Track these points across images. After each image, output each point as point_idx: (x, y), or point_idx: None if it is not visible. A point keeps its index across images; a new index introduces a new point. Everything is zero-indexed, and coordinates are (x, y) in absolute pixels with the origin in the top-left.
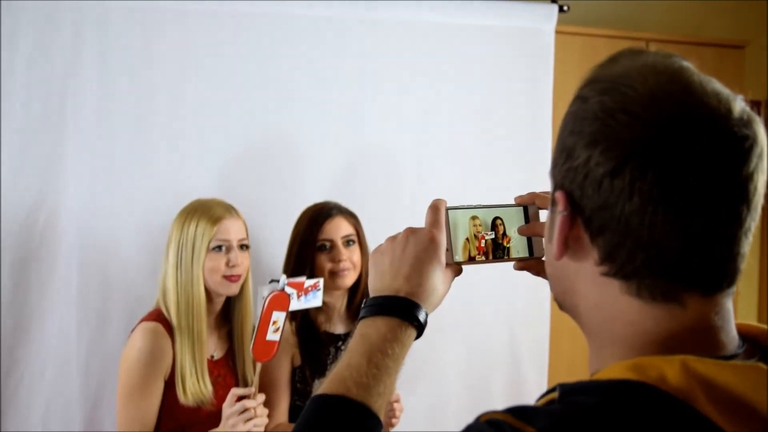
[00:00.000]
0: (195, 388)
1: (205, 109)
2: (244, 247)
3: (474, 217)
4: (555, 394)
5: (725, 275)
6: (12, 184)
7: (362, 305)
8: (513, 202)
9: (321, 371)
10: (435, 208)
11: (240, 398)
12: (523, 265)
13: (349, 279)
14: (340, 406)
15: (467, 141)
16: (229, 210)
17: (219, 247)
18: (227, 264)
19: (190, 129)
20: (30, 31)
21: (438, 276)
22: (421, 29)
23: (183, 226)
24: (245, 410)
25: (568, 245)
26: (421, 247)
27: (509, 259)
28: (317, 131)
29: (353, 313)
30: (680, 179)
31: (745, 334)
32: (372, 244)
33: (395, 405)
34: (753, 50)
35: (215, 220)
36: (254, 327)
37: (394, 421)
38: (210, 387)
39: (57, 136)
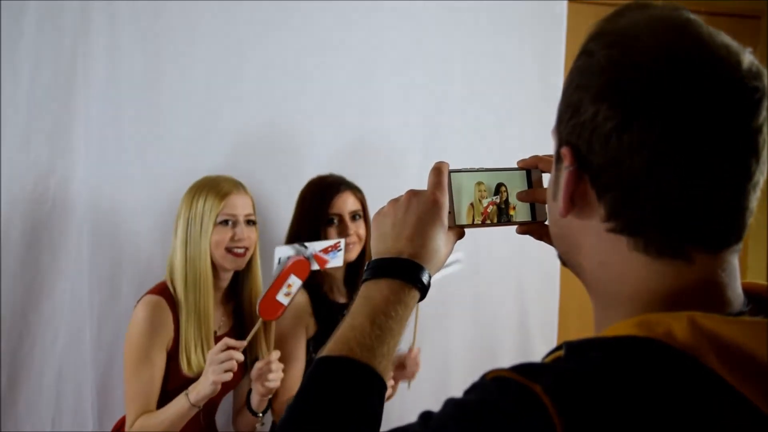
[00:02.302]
0: (200, 360)
1: (215, 79)
2: (251, 222)
3: (479, 183)
4: (561, 352)
5: (733, 230)
6: (22, 153)
7: (365, 268)
8: (515, 166)
9: None
10: (438, 170)
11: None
12: (525, 229)
13: (353, 252)
14: (345, 367)
15: (478, 115)
16: (237, 185)
17: (226, 222)
18: (232, 238)
19: (199, 96)
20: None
21: (440, 238)
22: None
23: (192, 201)
24: (228, 360)
25: (574, 202)
26: (424, 208)
27: (512, 223)
28: (325, 111)
29: (352, 286)
30: (689, 132)
31: (750, 292)
32: None
33: (416, 357)
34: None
35: (223, 195)
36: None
37: (415, 370)
38: None
39: (66, 105)
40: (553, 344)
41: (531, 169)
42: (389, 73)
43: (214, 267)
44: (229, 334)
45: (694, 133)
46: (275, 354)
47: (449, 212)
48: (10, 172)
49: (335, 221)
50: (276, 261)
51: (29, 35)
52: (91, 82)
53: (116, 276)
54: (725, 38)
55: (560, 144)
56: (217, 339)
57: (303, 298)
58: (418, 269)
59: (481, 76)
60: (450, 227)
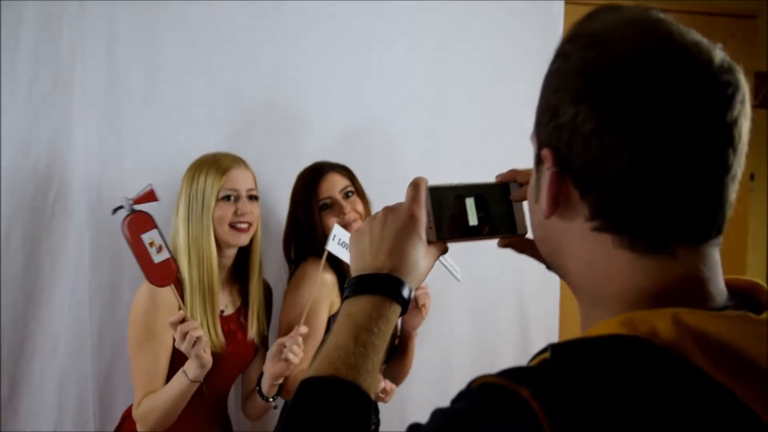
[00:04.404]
0: (208, 339)
1: (214, 84)
2: (253, 197)
3: (458, 197)
4: (547, 354)
5: (714, 223)
6: (22, 160)
7: (345, 285)
8: (494, 180)
9: None
10: (415, 185)
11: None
12: (507, 242)
13: None
14: (331, 387)
15: (475, 115)
16: (237, 160)
17: (228, 197)
18: (235, 213)
19: (199, 100)
20: (36, 3)
21: (419, 251)
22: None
23: (192, 179)
24: (196, 333)
25: (558, 203)
26: (400, 224)
27: (493, 237)
28: (324, 99)
29: None
30: (668, 129)
31: (733, 287)
32: (375, 208)
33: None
34: (765, 20)
35: (224, 171)
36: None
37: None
38: (222, 337)
39: (65, 111)
40: (554, 341)
41: (509, 182)
42: (387, 72)
43: (218, 244)
44: (237, 314)
45: (673, 130)
46: (304, 328)
47: (429, 227)
48: (11, 178)
49: (329, 205)
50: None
51: (28, 41)
52: (90, 87)
53: (117, 282)
54: (696, 35)
55: (540, 146)
56: (225, 319)
57: (330, 276)
58: (398, 284)
59: (478, 76)
60: (430, 242)
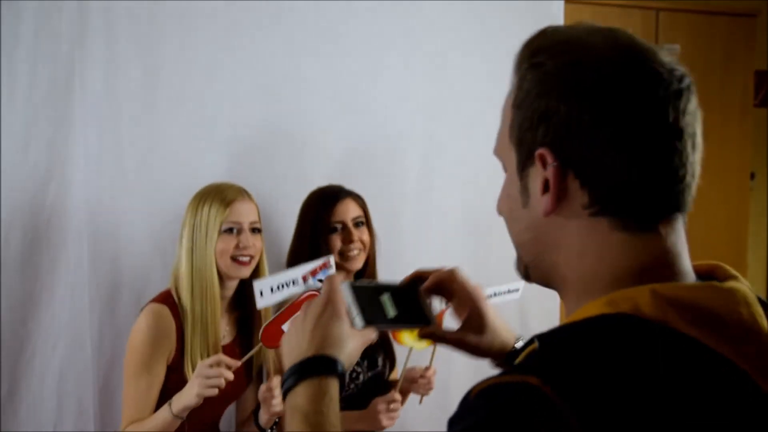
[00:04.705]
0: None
1: (213, 84)
2: (255, 230)
3: (376, 293)
4: (534, 345)
5: (686, 198)
6: (21, 161)
7: (282, 385)
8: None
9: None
10: (329, 279)
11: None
12: (427, 332)
13: (359, 260)
14: None
15: (475, 116)
16: (241, 193)
17: (230, 230)
18: (237, 246)
19: (198, 101)
20: (35, 4)
21: (342, 329)
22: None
23: (197, 209)
24: (218, 377)
25: (560, 196)
26: (319, 310)
27: (409, 327)
28: (324, 114)
29: None
30: (649, 119)
31: (697, 272)
32: (377, 223)
33: (430, 377)
34: (764, 19)
35: (227, 203)
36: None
37: (426, 389)
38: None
39: (64, 112)
40: None
41: (416, 280)
42: (387, 75)
43: (220, 275)
44: (233, 344)
45: (652, 120)
46: (276, 380)
47: (354, 316)
48: (9, 180)
49: (338, 229)
50: (257, 294)
51: (26, 42)
52: (89, 88)
53: (116, 283)
54: (643, 40)
55: (530, 150)
56: (223, 348)
57: None
58: (327, 360)
59: (478, 76)
60: (356, 329)
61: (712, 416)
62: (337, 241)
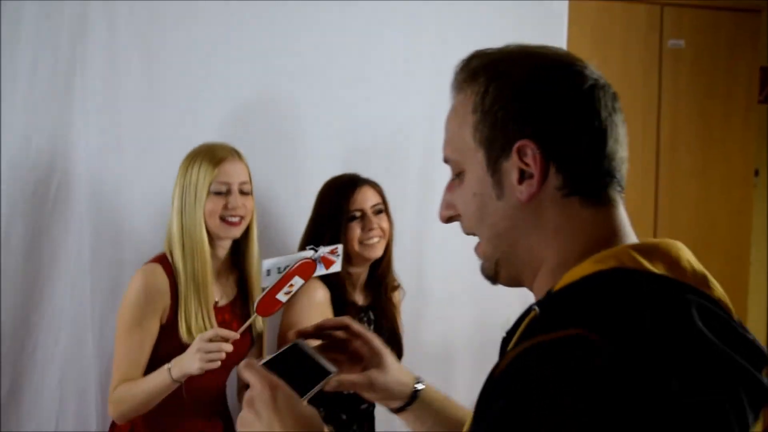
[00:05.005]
0: (200, 328)
1: (213, 77)
2: (244, 191)
3: (278, 367)
4: (535, 312)
5: (624, 177)
6: (22, 154)
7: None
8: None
9: None
10: (247, 367)
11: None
12: (334, 383)
13: (379, 248)
14: None
15: None
16: (231, 152)
17: (219, 191)
18: (225, 207)
19: (198, 94)
20: None
21: (302, 405)
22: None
23: (186, 169)
24: (218, 351)
25: (541, 180)
26: (269, 399)
27: (324, 383)
28: (325, 96)
29: (373, 285)
30: (602, 113)
31: None
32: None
33: None
34: None
35: (216, 162)
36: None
37: None
38: (216, 326)
39: (65, 105)
40: None
41: (296, 342)
42: (389, 69)
43: (211, 236)
44: (232, 305)
45: (605, 113)
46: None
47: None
48: (11, 173)
49: (357, 217)
50: (264, 273)
51: (28, 36)
52: (90, 82)
53: (118, 275)
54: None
55: (505, 145)
56: (220, 310)
57: (324, 294)
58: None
59: None
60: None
61: (713, 332)
62: (356, 230)
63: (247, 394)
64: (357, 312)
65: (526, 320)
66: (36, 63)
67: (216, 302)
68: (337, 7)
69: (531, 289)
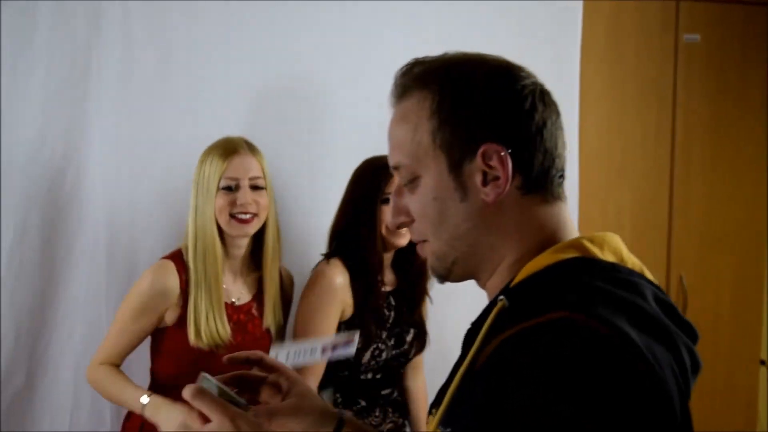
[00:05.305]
0: (211, 329)
1: (228, 69)
2: (257, 186)
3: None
4: (503, 303)
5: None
6: (38, 149)
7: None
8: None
9: (382, 324)
10: (200, 395)
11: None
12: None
13: (406, 237)
14: None
15: None
16: (242, 145)
17: (229, 187)
18: (234, 203)
19: (213, 88)
20: None
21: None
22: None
23: (201, 165)
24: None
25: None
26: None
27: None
28: (339, 90)
29: (401, 272)
30: (548, 113)
31: None
32: None
33: None
34: None
35: (225, 156)
36: None
37: None
38: (228, 329)
39: (80, 100)
40: None
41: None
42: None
43: (224, 234)
44: (249, 305)
45: (551, 116)
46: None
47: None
48: (27, 167)
49: (389, 200)
50: (272, 356)
51: (43, 31)
52: (105, 76)
53: (132, 271)
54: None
55: (468, 149)
56: (236, 309)
57: (342, 280)
58: None
59: None
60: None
61: (655, 304)
62: (388, 213)
63: (207, 427)
64: (382, 297)
65: (494, 312)
66: (51, 60)
67: (233, 301)
68: (354, 5)
69: (484, 284)
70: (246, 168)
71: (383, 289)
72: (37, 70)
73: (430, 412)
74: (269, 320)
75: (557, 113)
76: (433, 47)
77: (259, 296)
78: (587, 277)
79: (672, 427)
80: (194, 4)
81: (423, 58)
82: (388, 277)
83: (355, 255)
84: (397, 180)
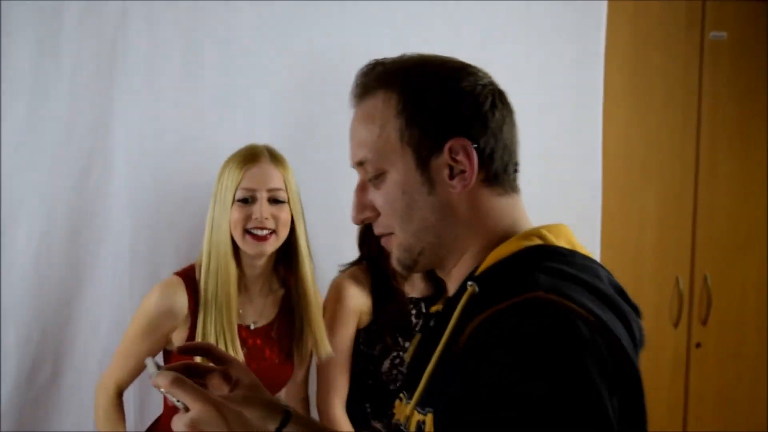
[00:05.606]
0: None
1: (255, 67)
2: (277, 199)
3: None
4: (473, 288)
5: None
6: (65, 145)
7: None
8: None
9: (407, 332)
10: (179, 383)
11: None
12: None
13: None
14: None
15: (516, 112)
16: (263, 153)
17: (245, 199)
18: (250, 217)
19: (240, 86)
20: None
21: (252, 421)
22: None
23: (220, 174)
24: None
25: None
26: (220, 424)
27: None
28: None
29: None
30: (504, 110)
31: None
32: None
33: None
34: None
35: (242, 165)
36: None
37: None
38: (241, 355)
39: (107, 96)
40: None
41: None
42: None
43: (240, 251)
44: (268, 328)
45: (503, 110)
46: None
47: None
48: (54, 163)
49: None
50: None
51: (70, 28)
52: (131, 73)
53: (157, 265)
54: None
55: (435, 144)
56: (251, 333)
57: (357, 288)
58: None
59: (520, 75)
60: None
61: (607, 288)
62: None
63: (188, 417)
64: (407, 304)
65: (464, 298)
66: (79, 56)
67: (248, 325)
68: (380, 4)
69: (448, 273)
70: (264, 178)
71: (410, 295)
72: (65, 68)
73: (399, 398)
74: (321, 350)
75: (512, 111)
76: (458, 47)
77: (281, 319)
78: (551, 261)
79: (642, 397)
80: (221, 4)
81: (382, 59)
82: (418, 284)
83: (378, 261)
84: (359, 176)
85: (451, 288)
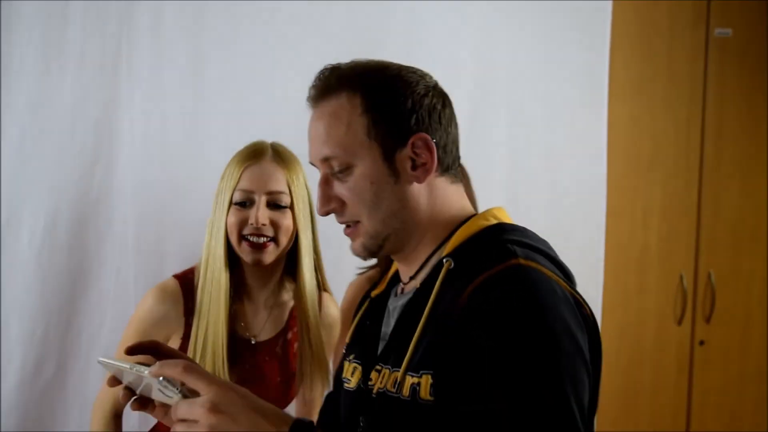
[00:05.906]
0: (217, 369)
1: (259, 64)
2: (277, 204)
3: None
4: (449, 263)
5: None
6: (68, 142)
7: None
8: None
9: None
10: (191, 370)
11: None
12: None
13: None
14: None
15: (523, 112)
16: (267, 152)
17: (242, 202)
18: (246, 222)
19: (243, 83)
20: None
21: (265, 402)
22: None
23: (223, 173)
24: None
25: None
26: (240, 405)
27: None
28: None
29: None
30: (450, 108)
31: None
32: None
33: None
34: None
35: (241, 164)
36: None
37: None
38: (226, 370)
39: (111, 93)
40: None
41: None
42: (433, 59)
43: (236, 258)
44: (272, 343)
45: (449, 108)
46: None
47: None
48: (57, 160)
49: None
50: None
51: (75, 24)
52: (135, 70)
53: (161, 262)
54: None
55: (400, 139)
56: (252, 348)
57: (359, 292)
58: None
59: (525, 73)
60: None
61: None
62: None
63: (205, 399)
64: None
65: (442, 273)
66: (82, 56)
67: (251, 339)
68: (387, 12)
69: (405, 257)
70: (264, 180)
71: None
72: (68, 64)
73: (374, 368)
74: (302, 363)
75: (452, 107)
76: (468, 48)
77: (288, 332)
78: (513, 235)
79: (598, 337)
80: (227, 3)
81: (337, 63)
82: None
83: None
84: (322, 171)
85: (411, 269)
